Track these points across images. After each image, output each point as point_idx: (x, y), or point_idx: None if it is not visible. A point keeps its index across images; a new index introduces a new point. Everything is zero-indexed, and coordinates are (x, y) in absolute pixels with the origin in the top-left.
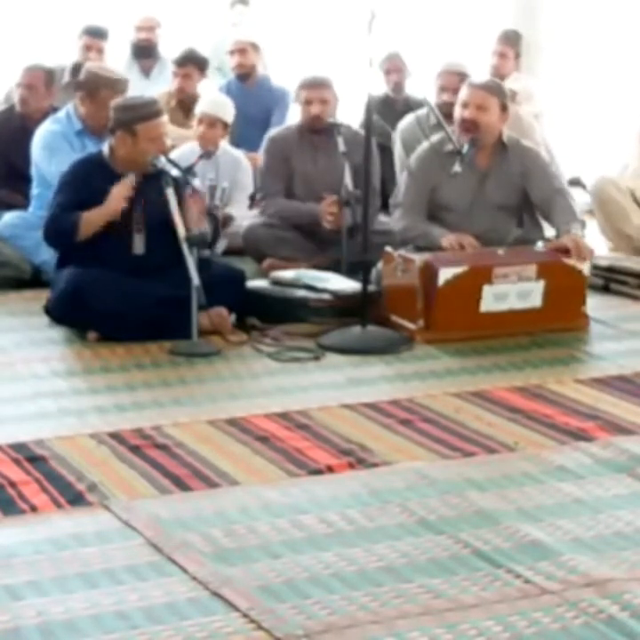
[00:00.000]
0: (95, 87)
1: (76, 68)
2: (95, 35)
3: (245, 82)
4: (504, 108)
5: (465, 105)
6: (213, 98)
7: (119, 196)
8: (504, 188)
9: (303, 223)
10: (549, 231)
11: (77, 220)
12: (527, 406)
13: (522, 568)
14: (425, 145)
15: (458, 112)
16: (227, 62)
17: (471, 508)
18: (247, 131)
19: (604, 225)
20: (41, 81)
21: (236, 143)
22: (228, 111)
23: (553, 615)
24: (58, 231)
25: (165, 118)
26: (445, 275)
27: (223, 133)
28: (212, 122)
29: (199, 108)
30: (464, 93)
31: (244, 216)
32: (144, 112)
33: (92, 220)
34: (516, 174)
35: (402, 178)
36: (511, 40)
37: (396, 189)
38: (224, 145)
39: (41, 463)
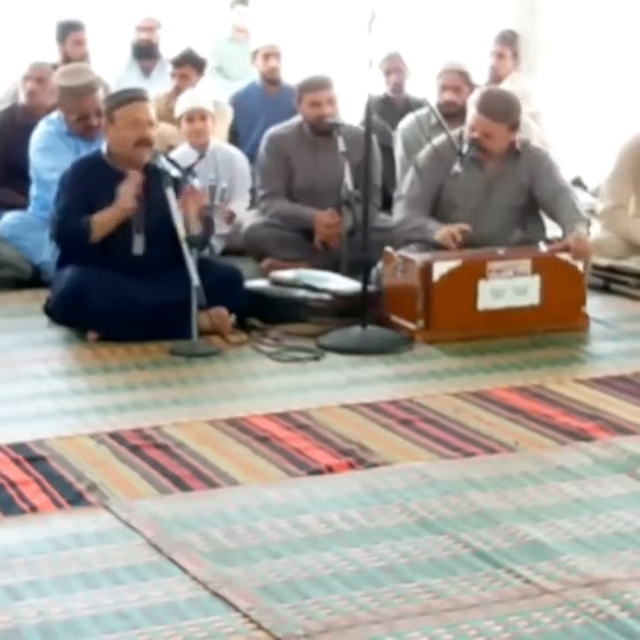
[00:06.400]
0: (59, 93)
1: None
2: (78, 28)
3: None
4: (514, 127)
5: (472, 129)
6: (190, 94)
7: (127, 194)
8: (512, 192)
9: (301, 228)
10: (551, 232)
11: (88, 223)
12: (527, 406)
13: (522, 568)
14: (437, 141)
15: (467, 133)
16: (227, 62)
17: (471, 508)
18: None
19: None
20: (49, 75)
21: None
22: (209, 102)
23: (553, 615)
24: (69, 236)
25: (149, 105)
26: (440, 269)
27: (213, 127)
28: (203, 115)
29: (182, 109)
30: (471, 117)
31: (245, 216)
32: (120, 98)
33: (103, 221)
34: (525, 177)
35: (408, 172)
36: (508, 40)
37: (399, 185)
38: (216, 141)
39: (41, 463)
